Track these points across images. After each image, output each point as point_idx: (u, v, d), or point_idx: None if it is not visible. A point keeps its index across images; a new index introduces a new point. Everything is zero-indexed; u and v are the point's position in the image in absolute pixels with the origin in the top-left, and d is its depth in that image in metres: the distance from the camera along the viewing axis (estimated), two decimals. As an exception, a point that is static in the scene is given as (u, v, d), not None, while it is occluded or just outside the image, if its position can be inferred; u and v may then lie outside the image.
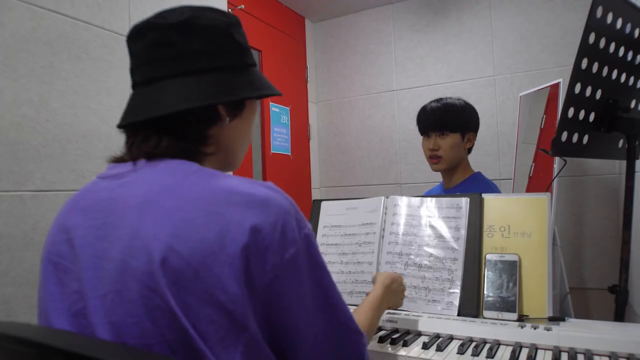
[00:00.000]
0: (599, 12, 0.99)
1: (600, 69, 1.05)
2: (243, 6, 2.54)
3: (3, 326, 0.55)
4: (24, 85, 1.38)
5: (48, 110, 1.45)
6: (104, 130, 1.62)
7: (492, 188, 1.66)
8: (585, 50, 0.99)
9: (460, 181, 1.70)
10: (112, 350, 0.48)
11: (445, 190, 1.75)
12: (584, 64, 1.00)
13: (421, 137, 1.74)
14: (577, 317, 1.09)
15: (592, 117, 1.08)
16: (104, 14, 1.65)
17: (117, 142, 1.67)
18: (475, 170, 1.75)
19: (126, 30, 1.70)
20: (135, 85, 0.72)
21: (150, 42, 0.69)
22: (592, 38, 0.99)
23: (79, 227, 0.63)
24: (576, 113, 1.04)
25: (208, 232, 0.54)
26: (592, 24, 0.98)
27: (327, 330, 0.64)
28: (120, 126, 0.72)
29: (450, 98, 1.68)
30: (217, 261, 0.53)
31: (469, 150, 1.73)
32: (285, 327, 0.59)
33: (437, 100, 1.68)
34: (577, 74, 1.00)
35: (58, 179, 1.46)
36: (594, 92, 1.06)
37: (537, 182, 2.28)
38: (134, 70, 0.72)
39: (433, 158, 1.68)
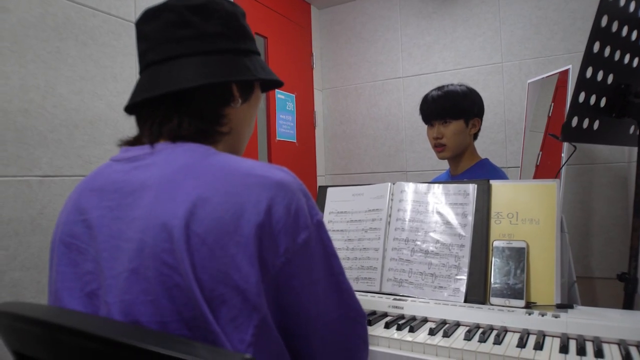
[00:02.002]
0: (612, -5, 0.97)
1: (612, 53, 1.03)
2: (249, -8, 2.52)
3: (10, 306, 0.55)
4: (31, 71, 1.38)
5: (55, 96, 1.45)
6: (111, 116, 1.62)
7: (500, 175, 1.64)
8: (597, 33, 0.97)
9: (467, 168, 1.69)
10: (117, 329, 0.48)
11: (453, 177, 1.74)
12: (596, 47, 0.98)
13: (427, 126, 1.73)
14: (584, 306, 1.08)
15: (603, 102, 1.07)
16: (110, -1, 1.64)
17: (124, 127, 1.68)
18: (483, 157, 1.74)
19: (132, 16, 1.70)
20: (148, 65, 0.70)
21: (166, 23, 0.69)
22: (604, 21, 0.97)
23: (94, 208, 0.63)
24: (587, 98, 1.02)
25: (224, 213, 0.54)
26: (605, 7, 0.96)
27: (338, 316, 0.65)
28: (132, 105, 0.71)
29: (451, 85, 1.67)
30: (232, 241, 0.53)
31: (475, 136, 1.72)
32: (295, 312, 0.60)
33: (439, 89, 1.68)
34: (589, 58, 0.98)
35: (65, 165, 1.47)
36: (605, 77, 1.04)
37: (545, 170, 2.27)
38: (147, 51, 0.71)
39: (438, 146, 1.68)
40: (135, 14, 1.70)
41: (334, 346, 0.65)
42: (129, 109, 0.73)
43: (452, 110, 1.62)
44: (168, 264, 0.53)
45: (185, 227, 0.54)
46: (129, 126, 1.68)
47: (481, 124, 1.70)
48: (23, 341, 0.55)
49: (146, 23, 0.71)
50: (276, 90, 2.76)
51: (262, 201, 0.56)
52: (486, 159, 1.71)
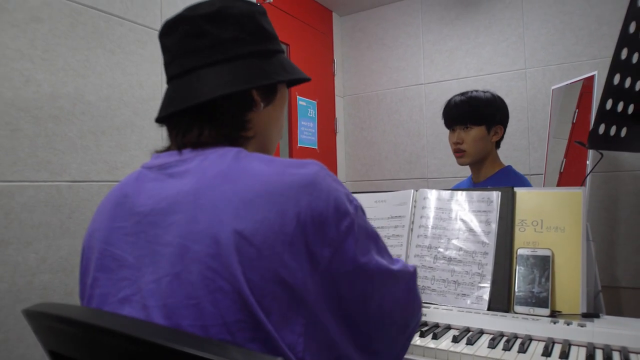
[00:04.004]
0: (640, 1, 0.96)
1: (640, 59, 1.01)
2: (271, 0, 2.55)
3: (49, 306, 0.57)
4: (62, 79, 1.42)
5: (84, 103, 1.48)
6: (137, 122, 1.65)
7: (524, 182, 1.62)
8: (625, 40, 0.96)
9: (490, 175, 1.67)
10: (153, 331, 0.49)
11: (475, 184, 1.72)
12: (624, 54, 0.97)
13: (448, 132, 1.72)
14: (609, 316, 1.06)
15: (630, 109, 1.05)
16: (137, 9, 1.68)
17: (150, 134, 1.71)
18: (506, 164, 1.72)
19: (158, 24, 1.74)
20: (171, 78, 0.73)
21: (183, 35, 0.71)
22: (632, 28, 0.96)
23: (129, 216, 0.65)
24: (614, 105, 1.01)
25: (268, 213, 0.56)
26: (633, 13, 0.95)
27: (391, 290, 0.67)
28: (159, 119, 0.73)
29: (476, 91, 1.66)
30: (277, 240, 0.55)
31: (498, 144, 1.70)
32: (354, 296, 0.62)
33: (462, 94, 1.67)
34: (616, 65, 0.97)
35: (93, 170, 1.50)
36: (633, 84, 1.03)
37: (569, 178, 2.23)
38: (169, 64, 0.73)
39: (457, 152, 1.67)
40: (160, 22, 1.73)
41: (391, 313, 0.68)
42: (159, 121, 0.76)
43: (474, 115, 1.61)
44: (212, 268, 0.54)
45: (232, 231, 0.55)
46: (155, 133, 1.71)
47: (504, 132, 1.68)
48: (61, 341, 0.57)
49: (166, 36, 0.73)
50: (298, 97, 2.79)
51: (302, 198, 0.58)
52: (509, 166, 1.69)
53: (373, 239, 0.66)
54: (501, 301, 1.10)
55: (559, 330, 0.96)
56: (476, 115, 1.61)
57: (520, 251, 1.12)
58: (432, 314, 1.10)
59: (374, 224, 1.35)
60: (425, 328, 1.03)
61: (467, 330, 1.03)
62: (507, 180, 1.61)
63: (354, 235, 0.61)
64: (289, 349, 0.56)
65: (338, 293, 0.60)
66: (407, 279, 0.71)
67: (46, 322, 0.56)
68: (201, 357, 0.42)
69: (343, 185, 0.64)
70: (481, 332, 1.02)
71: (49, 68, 1.39)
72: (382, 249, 0.68)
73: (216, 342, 0.47)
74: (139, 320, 0.57)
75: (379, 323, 0.66)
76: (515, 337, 0.97)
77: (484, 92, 1.65)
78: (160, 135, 1.72)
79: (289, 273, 0.55)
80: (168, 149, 0.72)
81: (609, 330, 0.92)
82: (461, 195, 1.26)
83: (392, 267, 0.68)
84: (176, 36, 0.71)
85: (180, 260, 0.56)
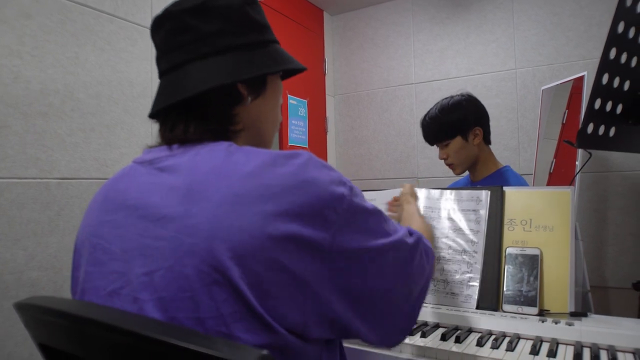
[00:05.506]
0: (629, 1, 0.96)
1: (628, 59, 1.02)
2: (263, -2, 2.55)
3: (39, 299, 0.57)
4: (51, 75, 1.41)
5: (73, 100, 1.47)
6: (127, 120, 1.64)
7: (521, 182, 1.62)
8: (613, 40, 0.97)
9: (487, 175, 1.67)
10: (141, 323, 0.49)
11: (472, 184, 1.73)
12: (612, 54, 0.98)
13: None
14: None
15: (619, 109, 1.06)
16: (127, 6, 1.67)
17: (139, 131, 1.70)
18: (504, 164, 1.71)
19: (148, 22, 1.72)
20: (161, 75, 0.73)
21: (169, 30, 0.71)
22: (621, 27, 0.97)
23: (119, 209, 0.64)
24: (603, 104, 1.01)
25: (264, 205, 0.56)
26: (621, 14, 0.96)
27: (390, 264, 0.67)
28: (151, 115, 0.74)
29: (439, 103, 1.66)
30: (277, 230, 0.55)
31: (487, 141, 1.69)
32: (353, 276, 0.62)
33: (428, 113, 1.68)
34: (605, 65, 0.97)
35: (82, 167, 1.49)
36: (621, 84, 1.03)
37: (558, 178, 2.25)
38: (158, 61, 0.74)
39: (448, 165, 1.70)
40: (151, 19, 1.72)
41: (391, 285, 0.68)
42: (152, 117, 0.76)
43: (443, 132, 1.62)
44: (206, 261, 0.54)
45: (228, 225, 0.55)
46: (144, 130, 1.70)
47: (485, 130, 1.66)
48: (51, 334, 0.57)
49: (154, 32, 0.74)
50: (289, 95, 2.79)
51: (297, 186, 0.58)
52: (507, 167, 1.68)
53: (372, 215, 0.65)
54: (490, 300, 1.10)
55: (547, 329, 0.96)
56: (445, 131, 1.62)
57: (509, 250, 1.13)
58: (420, 312, 1.10)
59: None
60: (414, 326, 1.04)
61: (456, 328, 1.04)
62: (503, 180, 1.62)
63: (350, 216, 0.61)
64: (294, 328, 0.57)
65: (340, 273, 0.60)
66: (406, 249, 0.70)
67: (37, 314, 0.56)
68: (187, 349, 0.43)
69: (334, 170, 0.64)
70: (470, 331, 1.02)
71: (38, 65, 1.38)
72: (382, 222, 0.67)
73: (203, 334, 0.47)
74: (129, 312, 0.57)
75: (380, 295, 0.66)
76: (504, 335, 0.98)
77: (450, 98, 1.64)
78: (150, 133, 1.71)
79: (289, 260, 0.55)
80: (160, 145, 0.72)
81: (597, 329, 0.93)
82: (450, 194, 1.26)
83: (391, 239, 0.67)
84: (163, 32, 0.71)
85: (173, 254, 0.56)
